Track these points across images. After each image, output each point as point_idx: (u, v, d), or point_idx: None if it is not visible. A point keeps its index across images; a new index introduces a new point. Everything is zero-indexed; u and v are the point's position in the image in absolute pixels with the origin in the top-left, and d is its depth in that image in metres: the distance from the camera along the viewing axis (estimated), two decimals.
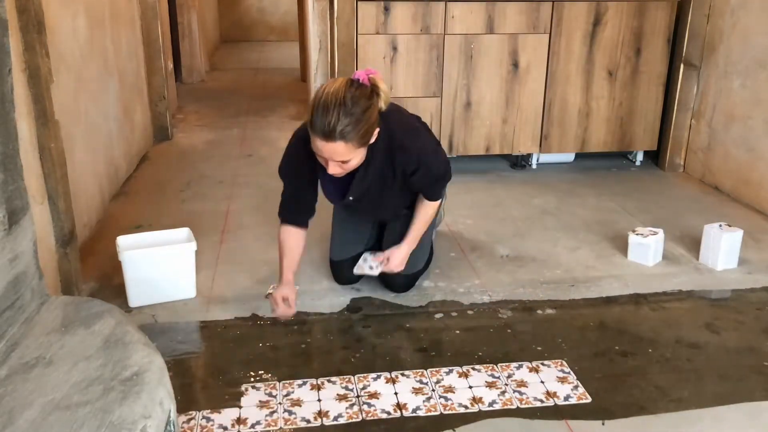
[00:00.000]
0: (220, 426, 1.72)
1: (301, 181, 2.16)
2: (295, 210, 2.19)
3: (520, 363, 1.98)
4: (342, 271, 2.40)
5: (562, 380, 1.91)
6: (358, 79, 1.88)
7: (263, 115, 5.02)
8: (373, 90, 1.89)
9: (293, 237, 2.17)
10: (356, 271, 2.31)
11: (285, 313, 2.11)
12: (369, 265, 2.28)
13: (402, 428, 1.72)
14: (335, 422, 1.73)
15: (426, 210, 2.24)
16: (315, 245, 2.75)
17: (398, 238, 2.27)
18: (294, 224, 2.18)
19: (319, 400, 1.81)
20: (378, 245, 2.41)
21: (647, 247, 2.57)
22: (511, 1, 3.33)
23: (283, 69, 7.06)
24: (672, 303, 2.34)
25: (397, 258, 2.23)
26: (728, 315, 2.27)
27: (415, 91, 3.41)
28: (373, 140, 1.95)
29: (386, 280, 2.36)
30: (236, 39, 9.07)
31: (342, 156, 1.87)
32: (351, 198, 2.16)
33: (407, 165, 2.07)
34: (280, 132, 4.51)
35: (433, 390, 1.86)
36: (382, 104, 1.92)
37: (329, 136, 1.82)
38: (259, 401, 1.81)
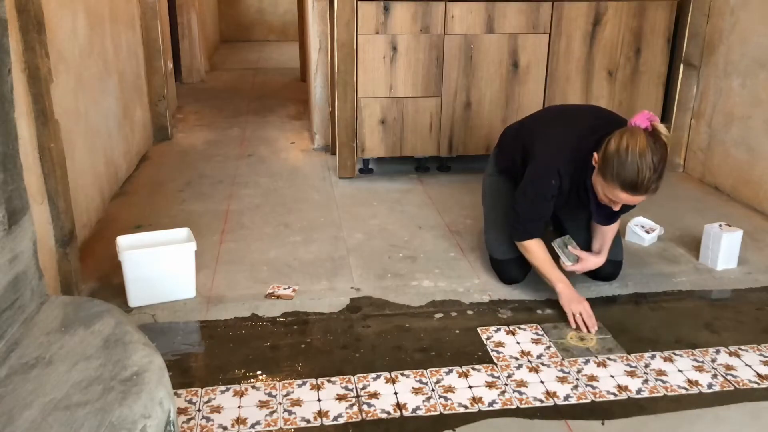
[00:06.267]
0: (220, 426, 1.72)
1: (552, 201, 2.23)
2: (542, 226, 2.29)
3: (519, 363, 1.98)
4: (510, 270, 2.44)
5: (562, 380, 1.91)
6: (651, 130, 1.94)
7: (263, 115, 5.02)
8: (662, 142, 1.95)
9: (542, 246, 2.28)
10: (556, 243, 2.35)
11: (589, 326, 2.15)
12: (567, 254, 2.34)
13: (402, 428, 1.72)
14: (335, 422, 1.73)
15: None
16: (315, 245, 2.75)
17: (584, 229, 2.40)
18: (539, 237, 2.29)
19: (319, 400, 1.81)
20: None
21: (642, 239, 2.75)
22: (511, 1, 3.33)
23: (282, 69, 7.06)
24: (672, 303, 2.34)
25: (591, 264, 2.32)
26: (728, 315, 2.27)
27: (415, 91, 3.41)
28: None
29: (593, 271, 2.41)
30: (236, 39, 9.08)
31: (639, 202, 2.03)
32: (617, 218, 2.27)
33: None
34: (280, 132, 4.51)
35: (433, 390, 1.86)
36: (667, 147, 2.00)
37: (638, 191, 1.94)
38: (259, 401, 1.81)
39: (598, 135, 2.08)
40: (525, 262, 2.37)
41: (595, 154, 2.04)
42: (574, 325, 2.16)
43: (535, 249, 2.27)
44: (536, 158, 2.24)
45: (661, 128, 1.96)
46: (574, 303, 2.18)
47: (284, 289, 2.37)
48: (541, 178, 2.20)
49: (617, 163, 1.93)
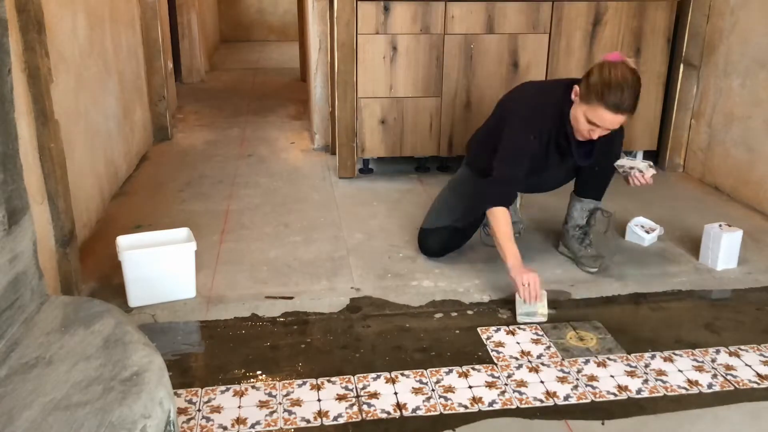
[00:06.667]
0: (220, 426, 1.72)
1: (527, 161, 2.34)
2: (514, 192, 2.41)
3: (519, 363, 1.98)
4: (427, 240, 2.60)
5: (562, 380, 1.91)
6: (625, 61, 2.18)
7: (263, 115, 5.02)
8: (636, 71, 2.18)
9: (507, 218, 2.32)
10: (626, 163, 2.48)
11: (535, 296, 2.20)
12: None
13: (402, 428, 1.72)
14: (335, 422, 1.73)
15: None
16: (315, 245, 2.75)
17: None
18: (508, 206, 2.34)
19: (319, 400, 1.81)
20: (472, 229, 2.64)
21: (642, 239, 2.74)
22: (511, 1, 3.33)
23: (282, 69, 7.06)
24: (672, 303, 2.34)
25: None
26: (728, 315, 2.27)
27: (415, 91, 3.41)
28: None
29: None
30: (236, 39, 9.08)
31: (618, 124, 2.19)
32: (595, 154, 2.39)
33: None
34: (280, 132, 4.51)
35: (433, 390, 1.86)
36: None
37: (622, 110, 2.13)
38: (259, 401, 1.81)
39: (563, 84, 2.32)
40: (447, 238, 2.55)
41: (576, 87, 2.24)
42: (523, 295, 2.19)
43: (501, 218, 2.30)
44: (511, 122, 2.37)
45: (631, 62, 2.19)
46: (524, 274, 2.22)
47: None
48: (519, 135, 2.34)
49: (602, 85, 2.12)
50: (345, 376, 1.91)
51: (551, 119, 2.31)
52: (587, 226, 2.60)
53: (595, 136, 2.23)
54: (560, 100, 2.29)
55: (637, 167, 2.35)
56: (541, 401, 1.82)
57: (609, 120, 2.16)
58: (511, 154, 2.34)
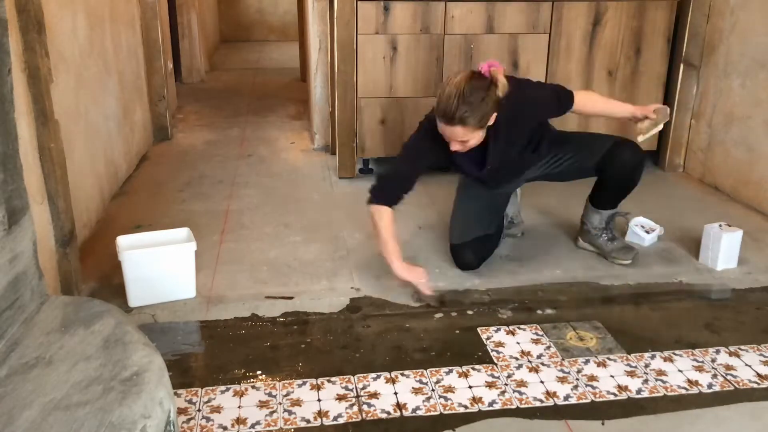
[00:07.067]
0: (220, 426, 1.72)
1: (419, 164, 2.35)
2: (398, 190, 2.35)
3: (519, 363, 1.98)
4: (463, 255, 2.53)
5: (562, 380, 1.91)
6: (480, 71, 2.16)
7: (263, 115, 5.02)
8: (492, 81, 2.14)
9: (390, 217, 2.32)
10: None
11: (421, 281, 2.26)
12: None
13: (402, 428, 1.72)
14: (335, 422, 1.73)
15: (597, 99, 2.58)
16: (315, 245, 2.75)
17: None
18: (391, 205, 2.33)
19: (319, 400, 1.81)
20: (498, 231, 2.64)
21: (642, 239, 2.74)
22: (511, 1, 3.33)
23: (282, 69, 7.06)
24: (672, 303, 2.34)
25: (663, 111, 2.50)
26: (728, 315, 2.27)
27: (415, 91, 3.41)
28: (491, 122, 2.21)
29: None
30: (236, 39, 9.08)
31: (461, 137, 2.17)
32: (489, 167, 2.39)
33: (529, 116, 2.34)
34: (280, 132, 4.51)
35: (433, 390, 1.86)
36: (500, 93, 2.16)
37: (450, 120, 2.12)
38: (259, 401, 1.81)
39: None
40: (481, 248, 2.52)
41: None
42: (408, 278, 2.27)
43: (384, 217, 2.31)
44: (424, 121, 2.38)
45: (499, 76, 2.14)
46: (406, 271, 2.27)
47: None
48: (418, 136, 2.36)
49: (438, 95, 2.15)
50: (345, 376, 1.91)
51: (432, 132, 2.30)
52: (607, 227, 2.63)
53: (453, 148, 2.23)
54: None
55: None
56: (541, 401, 1.82)
57: (447, 131, 2.17)
58: (405, 152, 2.38)
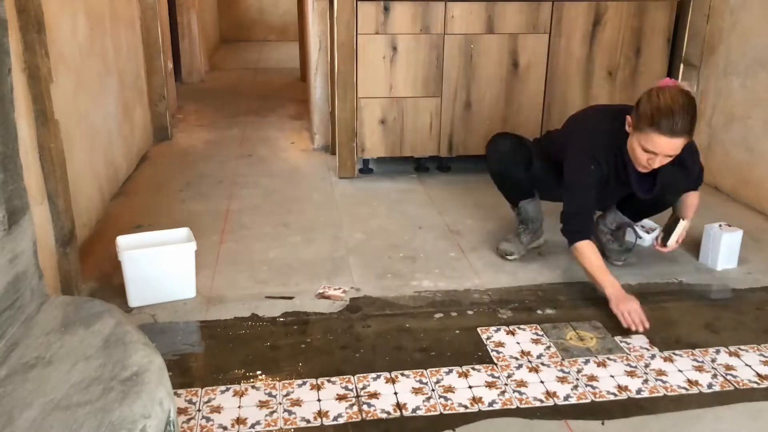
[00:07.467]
0: (220, 426, 1.72)
1: (593, 189, 2.32)
2: (589, 221, 2.37)
3: (519, 363, 1.98)
4: (497, 141, 2.58)
5: (562, 380, 1.91)
6: (678, 85, 2.15)
7: (263, 115, 5.02)
8: (690, 93, 2.14)
9: (594, 245, 2.32)
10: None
11: (641, 324, 2.15)
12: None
13: (402, 428, 1.72)
14: (335, 422, 1.73)
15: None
16: (315, 245, 2.75)
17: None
18: (590, 237, 2.32)
19: (319, 400, 1.81)
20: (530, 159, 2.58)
21: (642, 239, 2.73)
22: (511, 1, 3.33)
23: (282, 69, 7.06)
24: (672, 303, 2.34)
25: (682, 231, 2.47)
26: (728, 315, 2.27)
27: (415, 91, 3.41)
28: None
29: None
30: (236, 39, 9.08)
31: (677, 150, 2.13)
32: (657, 188, 2.35)
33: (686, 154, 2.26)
34: (280, 132, 4.51)
35: (433, 390, 1.86)
36: None
37: (674, 131, 2.08)
38: (259, 401, 1.81)
39: (620, 115, 2.26)
40: (518, 147, 2.54)
41: (628, 118, 2.20)
42: (625, 325, 2.14)
43: (588, 253, 2.29)
44: (571, 151, 2.35)
45: (685, 85, 2.16)
46: (623, 303, 2.18)
47: (335, 289, 2.37)
48: (580, 166, 2.31)
49: (652, 111, 2.09)
50: (345, 376, 1.91)
51: (605, 149, 2.30)
52: (617, 230, 2.63)
53: (655, 165, 2.18)
54: (615, 130, 2.27)
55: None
56: (541, 401, 1.82)
57: (664, 145, 2.10)
58: (576, 185, 2.33)
